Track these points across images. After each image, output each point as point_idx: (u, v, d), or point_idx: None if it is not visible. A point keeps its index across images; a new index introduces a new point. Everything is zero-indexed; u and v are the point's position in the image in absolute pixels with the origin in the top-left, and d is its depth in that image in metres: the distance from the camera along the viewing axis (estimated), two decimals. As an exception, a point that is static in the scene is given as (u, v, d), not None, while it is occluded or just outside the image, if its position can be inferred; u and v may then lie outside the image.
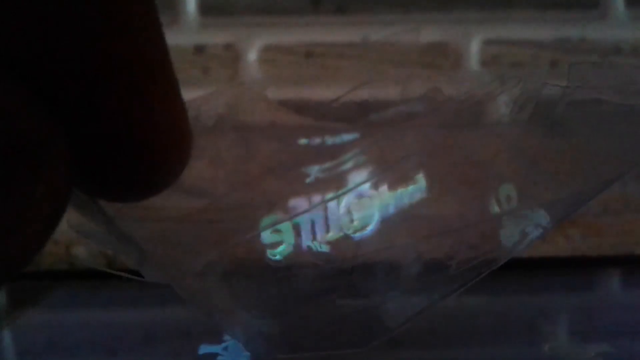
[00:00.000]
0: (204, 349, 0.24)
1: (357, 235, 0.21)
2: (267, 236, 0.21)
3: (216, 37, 0.38)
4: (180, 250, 0.20)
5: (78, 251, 0.37)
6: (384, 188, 0.21)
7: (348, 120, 0.24)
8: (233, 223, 0.21)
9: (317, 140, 0.23)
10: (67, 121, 0.11)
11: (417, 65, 0.38)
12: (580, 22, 0.38)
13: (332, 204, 0.21)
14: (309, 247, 0.21)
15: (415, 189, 0.22)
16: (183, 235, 0.20)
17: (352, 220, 0.21)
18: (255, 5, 0.38)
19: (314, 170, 0.22)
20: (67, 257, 0.37)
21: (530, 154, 0.21)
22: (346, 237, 0.21)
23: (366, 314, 0.22)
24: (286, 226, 0.21)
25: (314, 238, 0.21)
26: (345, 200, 0.21)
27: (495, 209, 0.21)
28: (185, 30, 0.38)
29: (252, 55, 0.38)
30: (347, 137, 0.23)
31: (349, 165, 0.22)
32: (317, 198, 0.21)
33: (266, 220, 0.21)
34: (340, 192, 0.21)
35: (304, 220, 0.21)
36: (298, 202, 0.21)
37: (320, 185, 0.21)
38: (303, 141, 0.23)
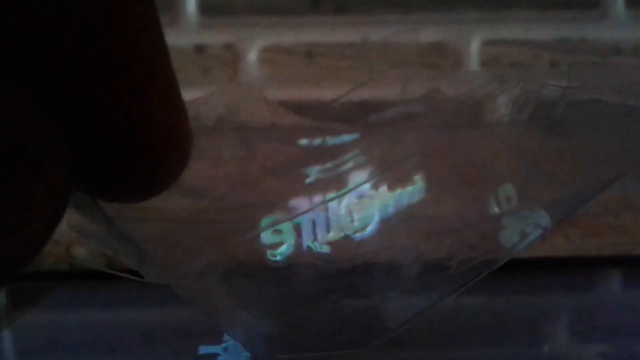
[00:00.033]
0: (204, 349, 0.24)
1: (358, 235, 0.21)
2: (267, 237, 0.21)
3: (216, 37, 0.38)
4: (180, 250, 0.20)
5: (78, 251, 0.37)
6: (383, 188, 0.21)
7: (348, 120, 0.24)
8: (233, 223, 0.21)
9: (317, 141, 0.23)
10: (67, 121, 0.11)
11: (417, 66, 0.38)
12: (580, 22, 0.38)
13: (332, 204, 0.21)
14: (309, 247, 0.21)
15: (414, 190, 0.22)
16: (183, 236, 0.20)
17: (352, 221, 0.21)
18: (255, 5, 0.38)
19: (314, 171, 0.22)
20: (67, 257, 0.37)
21: (530, 154, 0.21)
22: (346, 238, 0.21)
23: (366, 314, 0.22)
24: (287, 226, 0.21)
25: (315, 238, 0.21)
26: (346, 201, 0.21)
27: (495, 209, 0.21)
28: (185, 30, 0.38)
29: (252, 56, 0.38)
30: (347, 137, 0.23)
31: (349, 165, 0.22)
32: (317, 198, 0.21)
33: (266, 221, 0.21)
34: (341, 192, 0.21)
35: (304, 220, 0.21)
36: (298, 203, 0.21)
37: (321, 185, 0.21)
38: (303, 141, 0.23)
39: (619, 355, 0.25)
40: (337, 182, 0.21)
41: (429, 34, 0.38)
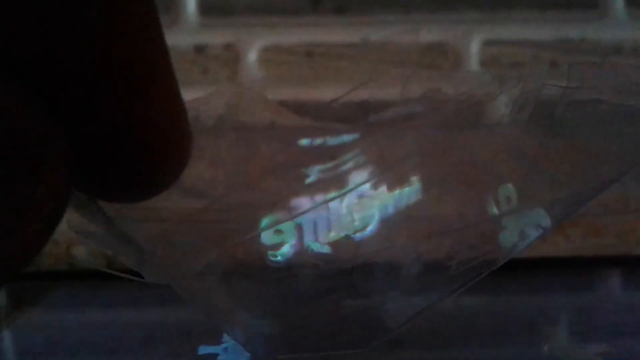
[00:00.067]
0: (204, 349, 0.24)
1: (358, 235, 0.21)
2: (268, 237, 0.21)
3: (216, 37, 0.38)
4: (180, 250, 0.20)
5: (78, 251, 0.37)
6: (383, 188, 0.21)
7: (348, 120, 0.24)
8: (233, 223, 0.21)
9: (317, 141, 0.23)
10: (67, 121, 0.11)
11: (417, 66, 0.38)
12: (580, 22, 0.38)
13: (333, 204, 0.21)
14: (310, 247, 0.21)
15: (412, 191, 0.22)
16: (183, 236, 0.20)
17: (352, 221, 0.21)
18: (255, 5, 0.38)
19: (314, 171, 0.22)
20: (67, 257, 0.37)
21: (530, 154, 0.21)
22: (347, 238, 0.21)
23: (366, 314, 0.22)
24: (288, 227, 0.21)
25: (316, 239, 0.21)
26: (346, 201, 0.21)
27: (495, 209, 0.21)
28: (185, 30, 0.38)
29: (252, 56, 0.38)
30: (347, 137, 0.23)
31: (349, 165, 0.22)
32: (317, 198, 0.21)
33: (267, 221, 0.21)
34: (341, 192, 0.21)
35: (305, 220, 0.21)
36: (299, 203, 0.21)
37: (321, 185, 0.21)
38: (303, 141, 0.23)
39: (619, 356, 0.25)
40: (337, 182, 0.21)
41: (428, 34, 0.38)
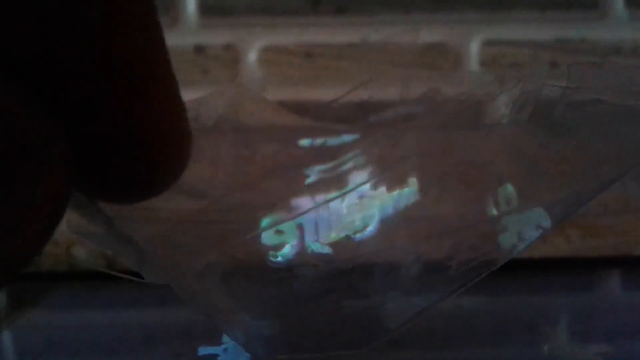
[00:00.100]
0: (203, 350, 0.24)
1: (358, 236, 0.21)
2: (269, 237, 0.21)
3: (216, 37, 0.38)
4: (180, 251, 0.20)
5: (78, 252, 0.37)
6: (383, 189, 0.21)
7: (348, 120, 0.24)
8: (233, 224, 0.21)
9: (317, 141, 0.23)
10: (67, 121, 0.11)
11: (416, 66, 0.38)
12: (579, 23, 0.38)
13: (334, 205, 0.21)
14: (311, 248, 0.21)
15: (411, 191, 0.22)
16: (183, 236, 0.20)
17: (353, 221, 0.21)
18: (255, 5, 0.38)
19: (314, 171, 0.22)
20: (67, 258, 0.37)
21: (530, 154, 0.21)
22: (347, 238, 0.21)
23: (366, 315, 0.22)
24: (288, 227, 0.21)
25: (317, 239, 0.21)
26: (346, 201, 0.21)
27: (495, 209, 0.21)
28: (185, 30, 0.38)
29: (252, 56, 0.38)
30: (347, 137, 0.23)
31: (349, 165, 0.22)
32: (317, 199, 0.21)
33: (267, 221, 0.21)
34: (341, 192, 0.21)
35: (306, 221, 0.21)
36: (299, 203, 0.21)
37: (321, 185, 0.21)
38: (303, 142, 0.23)
39: (618, 356, 0.25)
40: (337, 183, 0.21)
41: (428, 35, 0.38)
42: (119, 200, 0.13)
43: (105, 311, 0.33)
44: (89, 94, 0.11)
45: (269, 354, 0.22)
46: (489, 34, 0.38)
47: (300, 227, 0.21)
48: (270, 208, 0.21)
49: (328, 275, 0.21)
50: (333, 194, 0.21)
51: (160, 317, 0.31)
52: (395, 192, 0.21)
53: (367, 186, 0.21)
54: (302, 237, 0.21)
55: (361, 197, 0.21)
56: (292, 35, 0.38)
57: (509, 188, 0.21)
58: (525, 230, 0.21)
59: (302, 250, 0.21)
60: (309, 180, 0.22)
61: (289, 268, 0.21)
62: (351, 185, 0.21)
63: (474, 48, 0.38)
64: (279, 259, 0.21)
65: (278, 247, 0.21)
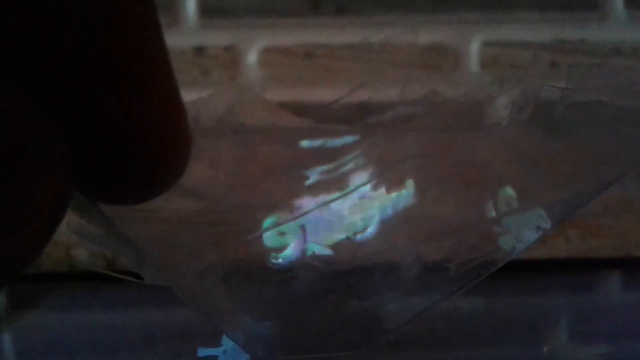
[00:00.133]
0: (203, 351, 0.24)
1: (359, 237, 0.21)
2: (271, 239, 0.21)
3: (216, 38, 0.38)
4: (180, 251, 0.20)
5: (78, 253, 0.37)
6: (383, 190, 0.21)
7: (348, 121, 0.24)
8: (233, 225, 0.21)
9: (317, 142, 0.23)
10: (67, 121, 0.11)
11: (416, 67, 0.38)
12: (579, 24, 0.38)
13: (335, 206, 0.21)
14: (312, 249, 0.21)
15: (409, 193, 0.22)
16: (182, 237, 0.20)
17: (353, 222, 0.21)
18: (254, 6, 0.38)
19: (315, 172, 0.22)
20: (67, 259, 0.37)
21: (530, 155, 0.21)
22: (348, 239, 0.21)
23: (366, 315, 0.22)
24: (290, 228, 0.21)
25: (318, 241, 0.21)
26: (347, 202, 0.21)
27: (495, 210, 0.21)
28: (185, 31, 0.38)
29: (252, 57, 0.38)
30: (347, 138, 0.23)
31: (349, 166, 0.22)
32: (318, 200, 0.21)
33: (268, 222, 0.21)
34: (342, 193, 0.21)
35: (308, 222, 0.21)
36: (299, 204, 0.21)
37: (321, 186, 0.21)
38: (303, 143, 0.23)
39: (618, 356, 0.25)
40: (337, 184, 0.21)
41: (428, 35, 0.38)
42: (119, 201, 0.13)
43: (105, 312, 0.33)
44: (89, 94, 0.11)
45: (269, 354, 0.22)
46: (489, 34, 0.38)
47: (302, 229, 0.21)
48: (270, 209, 0.21)
49: (328, 275, 0.21)
50: (334, 195, 0.21)
51: (160, 317, 0.31)
52: (395, 193, 0.21)
53: (367, 187, 0.21)
54: (303, 239, 0.21)
55: (361, 198, 0.21)
56: (292, 36, 0.38)
57: (509, 189, 0.21)
58: (525, 230, 0.21)
59: (303, 252, 0.21)
60: (309, 181, 0.22)
61: (289, 269, 0.21)
62: (351, 186, 0.21)
63: (474, 49, 0.38)
64: (280, 260, 0.21)
65: (280, 249, 0.21)
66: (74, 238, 0.18)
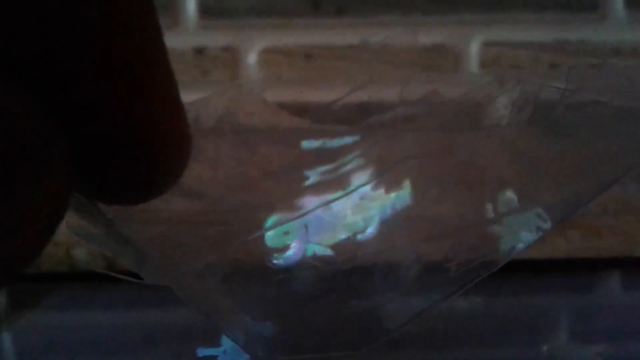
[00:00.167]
0: (203, 351, 0.24)
1: (359, 237, 0.21)
2: (274, 239, 0.21)
3: (216, 39, 0.38)
4: (180, 252, 0.20)
5: (78, 253, 0.37)
6: (382, 190, 0.21)
7: (348, 122, 0.24)
8: (233, 225, 0.21)
9: (317, 143, 0.23)
10: (67, 121, 0.11)
11: (416, 67, 0.38)
12: (579, 24, 0.38)
13: (335, 206, 0.21)
14: (312, 249, 0.21)
15: (409, 193, 0.22)
16: (182, 237, 0.20)
17: (354, 222, 0.21)
18: (254, 7, 0.38)
19: (315, 173, 0.22)
20: (67, 259, 0.37)
21: (530, 155, 0.21)
22: (348, 239, 0.21)
23: (366, 315, 0.22)
24: (290, 228, 0.21)
25: (318, 241, 0.21)
26: (348, 202, 0.21)
27: (495, 210, 0.21)
28: (185, 32, 0.38)
29: (252, 58, 0.38)
30: (347, 139, 0.23)
31: (349, 167, 0.22)
32: (318, 200, 0.21)
33: (270, 222, 0.21)
34: (343, 193, 0.21)
35: (309, 222, 0.21)
36: (300, 205, 0.21)
37: (322, 187, 0.21)
38: (303, 143, 0.23)
39: (618, 356, 0.25)
40: (337, 184, 0.21)
41: (428, 36, 0.38)
42: (119, 201, 0.14)
43: (105, 312, 0.33)
44: (89, 94, 0.11)
45: (269, 354, 0.22)
46: (489, 35, 0.38)
47: (302, 229, 0.21)
48: (270, 209, 0.21)
49: (328, 275, 0.21)
50: (334, 195, 0.21)
51: (160, 317, 0.31)
52: (395, 193, 0.22)
53: (368, 187, 0.21)
54: (305, 240, 0.21)
55: (361, 198, 0.21)
56: (292, 36, 0.38)
57: (509, 189, 0.21)
58: (525, 231, 0.21)
59: (303, 252, 0.21)
60: (309, 182, 0.22)
61: (289, 269, 0.21)
62: (351, 186, 0.21)
63: (474, 49, 0.38)
64: (281, 261, 0.21)
65: (280, 249, 0.21)
66: (74, 238, 0.18)
